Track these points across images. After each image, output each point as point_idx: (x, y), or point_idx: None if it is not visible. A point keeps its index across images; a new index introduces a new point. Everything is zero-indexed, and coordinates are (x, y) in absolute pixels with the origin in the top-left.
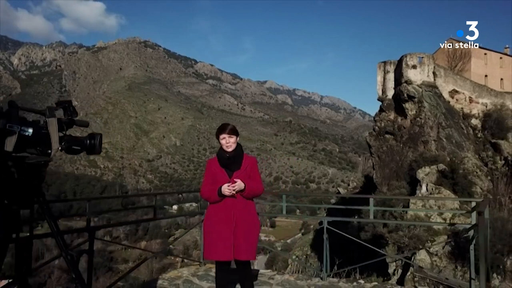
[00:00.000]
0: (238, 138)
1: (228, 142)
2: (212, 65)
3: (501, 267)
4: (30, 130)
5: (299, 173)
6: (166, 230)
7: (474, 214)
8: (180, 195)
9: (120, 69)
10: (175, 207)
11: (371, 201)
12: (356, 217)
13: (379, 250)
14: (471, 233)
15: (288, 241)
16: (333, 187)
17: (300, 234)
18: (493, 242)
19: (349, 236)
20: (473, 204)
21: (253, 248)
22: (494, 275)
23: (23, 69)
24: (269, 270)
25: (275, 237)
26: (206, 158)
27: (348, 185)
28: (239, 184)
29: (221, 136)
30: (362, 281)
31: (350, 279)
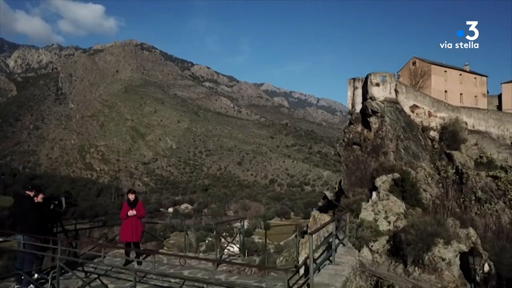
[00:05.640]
0: (136, 194)
1: (131, 197)
2: (208, 67)
3: (420, 261)
4: (56, 202)
5: (294, 175)
6: (162, 233)
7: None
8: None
9: (117, 71)
10: (170, 209)
11: (204, 216)
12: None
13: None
14: None
15: (281, 243)
16: (327, 189)
17: (293, 236)
18: (416, 241)
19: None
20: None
21: (139, 236)
22: (416, 268)
23: (19, 72)
24: (172, 256)
25: (269, 240)
26: (202, 161)
27: (335, 188)
28: (133, 212)
29: (128, 194)
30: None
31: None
